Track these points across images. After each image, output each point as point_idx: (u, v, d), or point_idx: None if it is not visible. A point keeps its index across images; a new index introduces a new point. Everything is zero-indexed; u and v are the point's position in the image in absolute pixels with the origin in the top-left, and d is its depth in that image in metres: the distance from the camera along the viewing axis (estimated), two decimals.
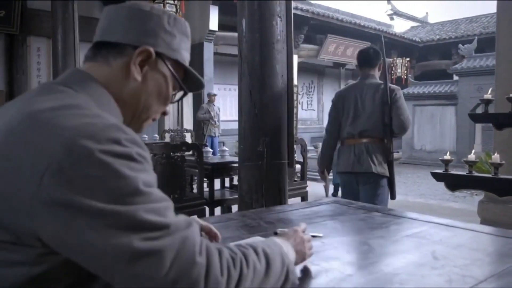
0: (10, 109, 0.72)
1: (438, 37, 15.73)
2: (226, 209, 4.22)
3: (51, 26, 5.65)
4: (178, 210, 0.67)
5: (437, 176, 2.48)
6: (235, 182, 4.41)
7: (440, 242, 1.21)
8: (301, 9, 11.10)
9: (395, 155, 2.75)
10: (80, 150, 0.60)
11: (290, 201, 2.99)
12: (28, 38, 7.32)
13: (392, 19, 19.05)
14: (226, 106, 11.66)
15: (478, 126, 10.41)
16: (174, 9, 5.82)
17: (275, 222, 1.44)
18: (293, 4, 2.70)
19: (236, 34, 2.60)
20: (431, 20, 20.42)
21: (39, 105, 0.67)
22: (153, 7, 0.84)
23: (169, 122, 8.68)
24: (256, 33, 2.43)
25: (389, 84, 2.93)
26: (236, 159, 3.45)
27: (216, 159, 4.40)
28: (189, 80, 0.92)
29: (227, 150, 4.59)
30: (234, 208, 4.07)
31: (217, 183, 4.30)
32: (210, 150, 4.74)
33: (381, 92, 2.91)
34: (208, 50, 8.91)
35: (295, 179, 4.33)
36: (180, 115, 8.86)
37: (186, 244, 0.63)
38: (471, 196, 6.61)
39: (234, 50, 2.76)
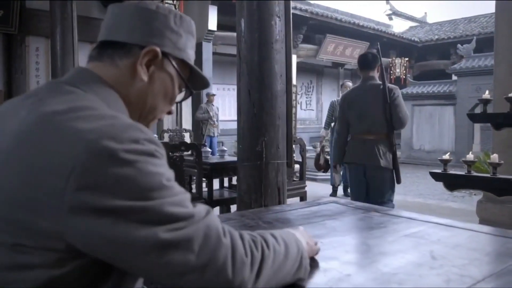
0: (18, 108, 0.71)
1: (436, 37, 15.75)
2: (225, 209, 4.22)
3: (50, 26, 5.63)
4: None
5: (435, 176, 2.48)
6: (234, 182, 4.41)
7: (439, 242, 1.21)
8: (300, 9, 11.11)
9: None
10: (104, 151, 0.61)
11: (289, 201, 2.99)
12: (27, 38, 7.30)
13: (391, 19, 19.07)
14: (225, 106, 11.66)
15: (477, 126, 10.42)
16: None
17: (274, 222, 1.44)
18: (292, 4, 2.70)
19: (235, 34, 2.60)
20: (430, 20, 20.47)
21: (51, 107, 0.67)
22: (159, 6, 0.83)
23: (168, 122, 8.67)
24: (255, 33, 2.43)
25: (388, 84, 3.30)
26: (235, 159, 3.45)
27: (215, 159, 4.40)
28: (194, 79, 0.93)
29: (226, 150, 4.59)
30: (233, 208, 4.07)
31: (216, 183, 4.30)
32: (209, 150, 4.74)
33: (381, 92, 3.29)
34: (207, 50, 8.91)
35: (294, 179, 4.33)
36: (179, 115, 8.85)
37: (210, 228, 0.67)
38: (470, 196, 6.62)
39: (233, 50, 2.76)
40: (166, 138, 6.81)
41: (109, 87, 0.79)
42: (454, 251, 1.13)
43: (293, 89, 2.98)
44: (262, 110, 2.44)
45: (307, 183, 4.56)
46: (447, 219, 1.49)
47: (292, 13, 2.73)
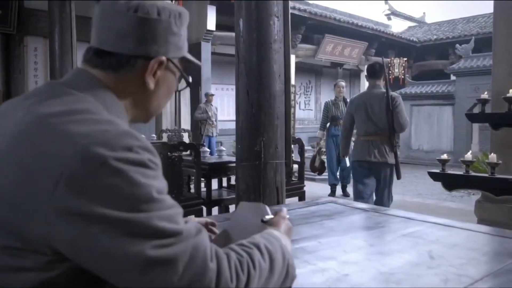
0: (17, 109, 0.71)
1: (435, 37, 15.76)
2: (224, 209, 4.22)
3: (48, 26, 5.63)
4: None
5: (434, 176, 2.49)
6: (233, 182, 4.40)
7: (437, 242, 1.21)
8: (299, 9, 11.10)
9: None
10: (94, 158, 0.60)
11: (288, 200, 2.99)
12: (25, 38, 7.30)
13: (389, 19, 19.06)
14: (224, 106, 11.65)
15: (475, 126, 10.43)
16: None
17: None
18: (291, 4, 2.70)
19: (233, 34, 2.60)
20: (429, 20, 20.46)
21: (48, 109, 0.66)
22: (160, 11, 0.80)
23: (167, 122, 8.67)
24: (254, 33, 2.44)
25: (391, 93, 3.79)
26: (233, 159, 3.44)
27: (213, 159, 4.40)
28: (188, 66, 0.93)
29: (225, 150, 4.59)
30: (232, 208, 4.06)
31: (214, 183, 4.30)
32: (208, 150, 4.74)
33: (385, 100, 3.78)
34: (206, 50, 8.91)
35: (293, 179, 4.32)
36: (178, 115, 8.85)
37: (198, 250, 0.64)
38: (468, 196, 6.62)
39: (232, 50, 2.76)
40: (164, 138, 6.79)
41: (108, 90, 0.78)
42: (452, 250, 1.13)
43: (292, 89, 2.99)
44: (260, 110, 2.44)
45: (306, 183, 4.55)
46: (445, 219, 1.49)
47: (291, 13, 2.73)
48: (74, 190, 0.59)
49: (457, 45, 11.87)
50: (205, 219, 1.11)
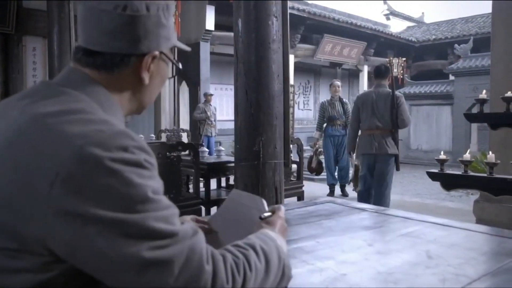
0: (12, 109, 0.70)
1: (434, 37, 15.77)
2: None
3: (47, 25, 5.62)
4: None
5: (433, 176, 2.49)
6: (231, 181, 4.40)
7: (435, 242, 1.21)
8: (298, 9, 11.10)
9: None
10: (90, 159, 0.60)
11: (286, 200, 3.00)
12: (24, 38, 7.28)
13: (388, 19, 19.07)
14: (223, 106, 11.65)
15: (474, 126, 10.44)
16: None
17: None
18: (289, 4, 2.70)
19: (232, 34, 2.60)
20: (427, 20, 20.47)
21: (44, 109, 0.66)
22: (148, 6, 0.78)
23: (166, 122, 8.68)
24: (252, 33, 2.43)
25: (395, 92, 4.27)
26: (232, 158, 3.44)
27: (212, 159, 4.40)
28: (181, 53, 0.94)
29: (223, 150, 4.59)
30: None
31: (213, 183, 4.30)
32: (206, 150, 4.74)
33: (389, 98, 4.27)
34: (205, 50, 8.90)
35: (291, 179, 4.33)
36: (177, 115, 8.85)
37: (194, 251, 0.64)
38: (467, 196, 6.63)
39: (231, 50, 2.76)
40: (163, 138, 6.79)
41: (102, 87, 0.77)
42: (450, 250, 1.13)
43: (291, 89, 2.99)
44: (259, 110, 2.44)
45: (305, 183, 4.55)
46: (443, 219, 1.49)
47: (290, 13, 2.73)
48: (70, 190, 0.59)
49: (456, 45, 11.88)
50: (195, 216, 1.10)
